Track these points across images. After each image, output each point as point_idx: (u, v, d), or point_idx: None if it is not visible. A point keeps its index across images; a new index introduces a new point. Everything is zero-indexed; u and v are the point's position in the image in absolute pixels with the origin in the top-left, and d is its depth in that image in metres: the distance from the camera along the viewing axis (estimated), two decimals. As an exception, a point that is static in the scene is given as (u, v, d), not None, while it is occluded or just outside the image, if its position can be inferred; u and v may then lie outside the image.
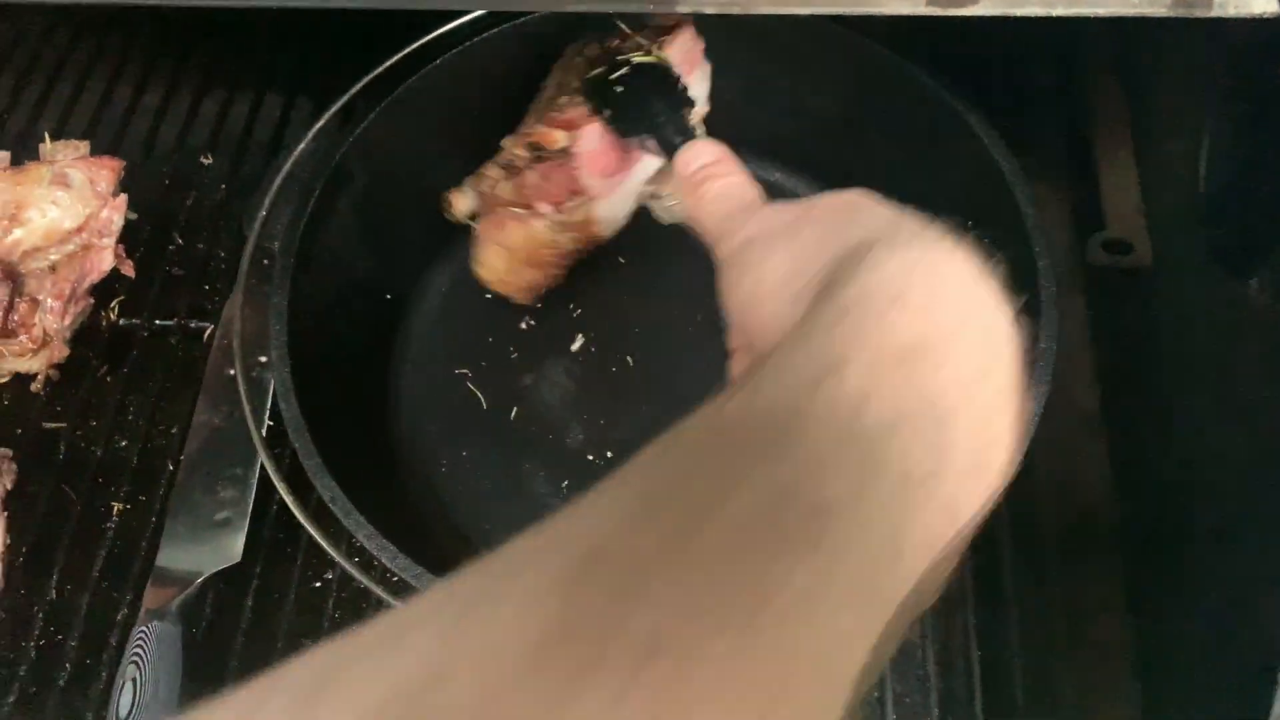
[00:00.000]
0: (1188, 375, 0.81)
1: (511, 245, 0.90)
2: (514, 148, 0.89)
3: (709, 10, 0.64)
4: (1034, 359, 0.74)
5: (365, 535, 0.70)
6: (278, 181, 0.80)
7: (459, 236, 1.03)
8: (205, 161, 1.18)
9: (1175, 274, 0.85)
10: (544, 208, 0.88)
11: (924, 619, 0.91)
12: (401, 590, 0.91)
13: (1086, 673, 0.87)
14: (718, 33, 0.92)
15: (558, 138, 0.86)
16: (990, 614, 0.92)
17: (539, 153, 0.87)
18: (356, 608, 0.94)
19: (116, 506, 0.96)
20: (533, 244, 0.91)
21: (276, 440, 0.81)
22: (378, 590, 0.68)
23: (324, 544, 0.68)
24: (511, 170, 0.89)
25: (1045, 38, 1.07)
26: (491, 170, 0.92)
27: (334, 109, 0.83)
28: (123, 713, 0.81)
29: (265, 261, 0.87)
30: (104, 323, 1.06)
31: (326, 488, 0.72)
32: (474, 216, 0.93)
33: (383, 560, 0.70)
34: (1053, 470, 0.95)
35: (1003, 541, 0.93)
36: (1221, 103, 0.76)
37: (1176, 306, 0.84)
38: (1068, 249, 1.00)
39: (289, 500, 0.69)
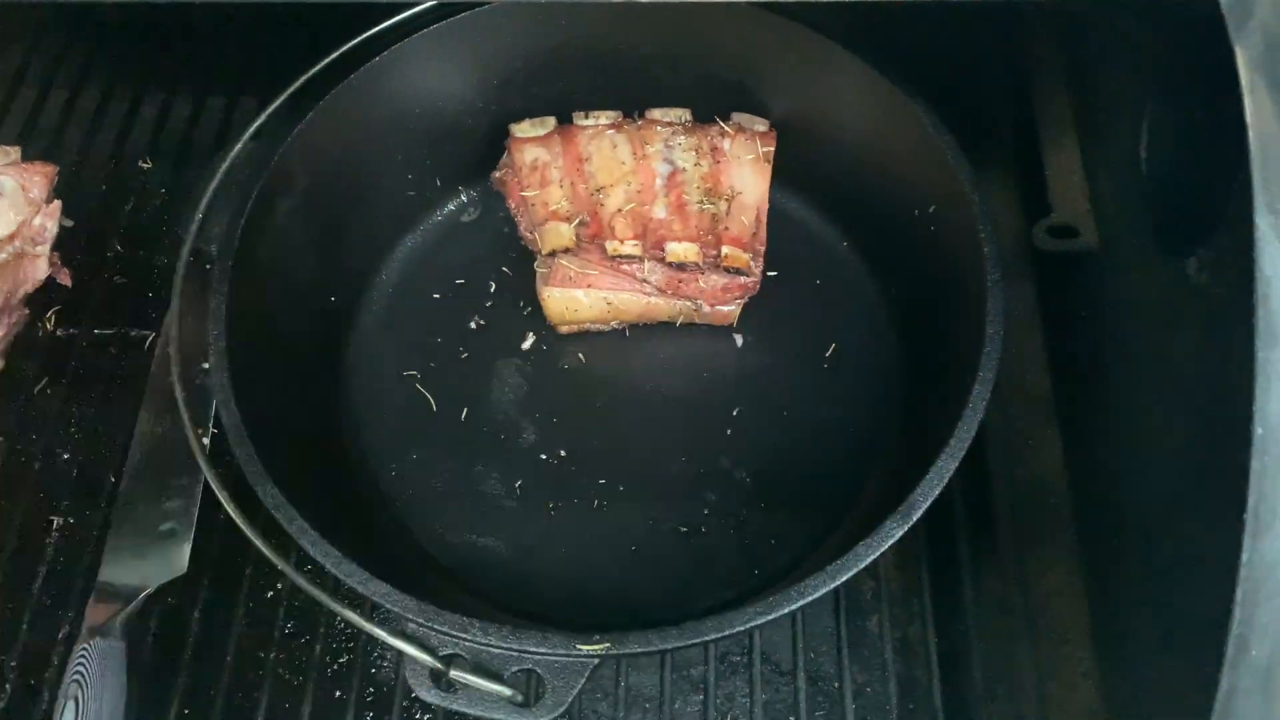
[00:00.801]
0: (1133, 357, 0.81)
1: (620, 306, 0.95)
2: (689, 255, 0.92)
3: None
4: (981, 346, 0.75)
5: (309, 541, 0.69)
6: (214, 184, 0.78)
7: (404, 236, 1.02)
8: (145, 166, 1.16)
9: (1120, 257, 0.86)
10: (685, 303, 0.95)
11: (883, 608, 0.91)
12: (352, 601, 0.89)
13: (1045, 658, 0.88)
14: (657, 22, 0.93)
15: (748, 262, 0.92)
16: (947, 602, 0.92)
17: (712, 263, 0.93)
18: (309, 619, 0.93)
19: (56, 521, 0.93)
20: (633, 311, 0.96)
21: (223, 449, 0.79)
22: (328, 602, 0.66)
23: (268, 552, 0.66)
24: (653, 254, 0.93)
25: (990, 27, 1.08)
26: (613, 227, 0.94)
27: (271, 108, 0.81)
28: (65, 733, 0.79)
29: (207, 266, 0.85)
30: (41, 333, 1.04)
31: (269, 495, 0.70)
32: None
33: (328, 566, 0.69)
34: (1006, 456, 0.95)
35: (958, 529, 0.93)
36: (1161, 85, 0.77)
37: (1121, 289, 0.85)
38: (1016, 236, 1.01)
39: (232, 511, 0.67)
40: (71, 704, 0.80)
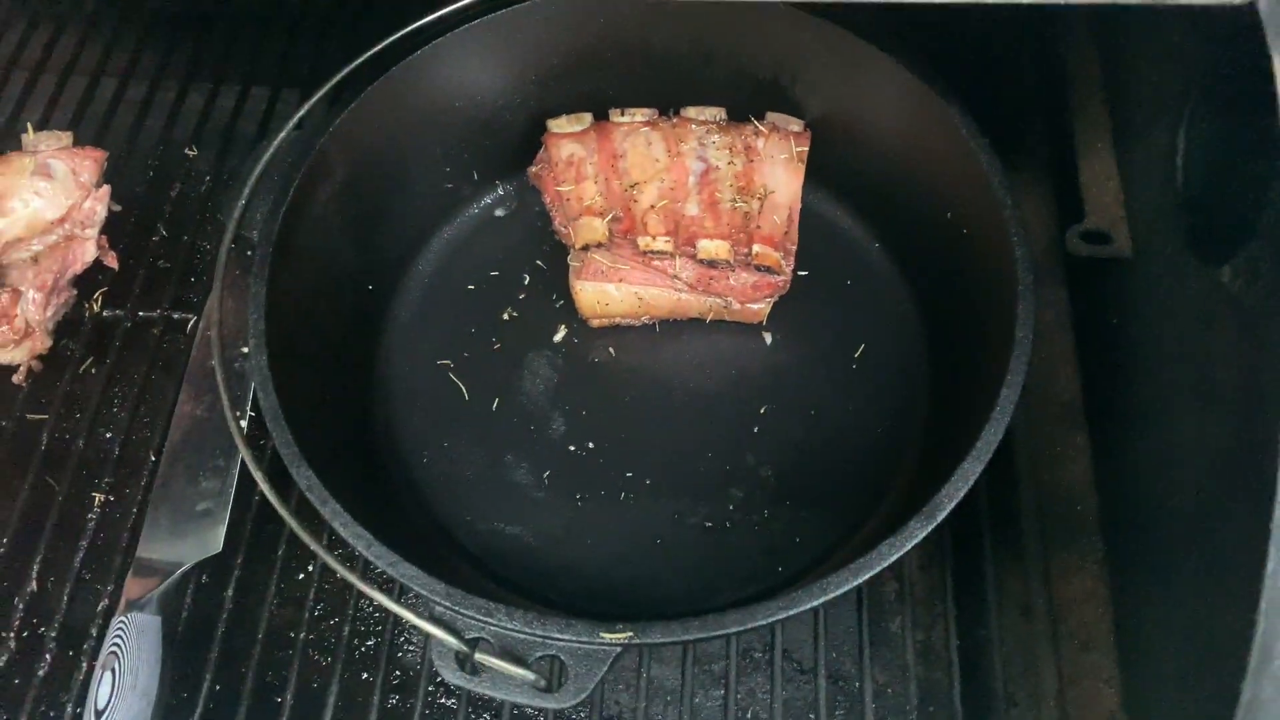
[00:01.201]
0: (1165, 363, 0.81)
1: (651, 301, 0.96)
2: (720, 252, 0.93)
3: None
4: (1011, 350, 0.75)
5: (341, 523, 0.70)
6: (256, 172, 0.80)
7: (440, 228, 1.04)
8: (190, 154, 1.18)
9: (1153, 264, 0.86)
10: (715, 299, 0.96)
11: (906, 610, 0.91)
12: (381, 584, 0.91)
13: (1067, 664, 0.87)
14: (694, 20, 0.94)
15: (778, 261, 0.93)
16: (970, 605, 0.92)
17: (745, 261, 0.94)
18: (339, 602, 0.95)
19: (98, 498, 0.96)
20: (663, 306, 0.97)
21: (260, 432, 0.81)
22: (358, 583, 0.68)
23: (300, 533, 0.68)
24: (686, 252, 0.94)
25: (1028, 34, 1.07)
26: (646, 223, 0.95)
27: (314, 99, 0.83)
28: (101, 703, 0.80)
29: (249, 253, 0.87)
30: (87, 314, 1.06)
31: (303, 476, 0.72)
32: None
33: (359, 549, 0.70)
34: (1033, 461, 0.95)
35: (983, 533, 0.93)
36: (1198, 95, 0.76)
37: (1154, 296, 0.85)
38: (1049, 241, 1.00)
39: (266, 490, 0.69)
40: (109, 674, 0.82)
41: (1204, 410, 0.74)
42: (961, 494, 0.68)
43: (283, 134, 0.81)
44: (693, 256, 0.94)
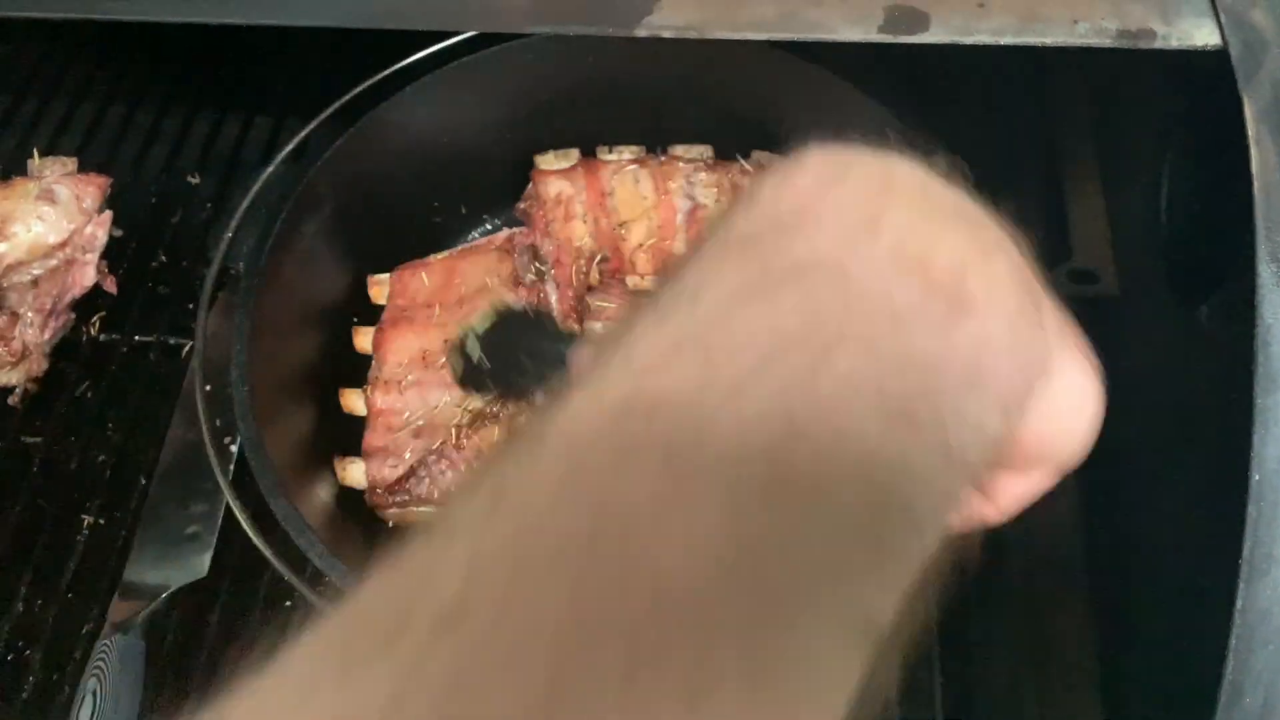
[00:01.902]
0: (1147, 405, 0.81)
1: None
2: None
3: (666, 34, 0.66)
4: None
5: (316, 555, 0.71)
6: (245, 203, 0.81)
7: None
8: (193, 181, 1.20)
9: (1138, 305, 0.85)
10: None
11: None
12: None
13: (1050, 703, 0.86)
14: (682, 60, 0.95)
15: None
16: (954, 642, 0.91)
17: None
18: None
19: (87, 520, 0.97)
20: None
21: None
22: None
23: (274, 562, 0.68)
24: None
25: (1017, 71, 1.08)
26: (634, 262, 0.97)
27: (300, 137, 0.85)
28: (81, 726, 0.81)
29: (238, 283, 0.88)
30: (84, 338, 1.08)
31: (278, 507, 0.72)
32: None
33: (334, 579, 0.71)
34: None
35: (967, 576, 0.92)
36: (1180, 135, 0.77)
37: (1139, 337, 0.84)
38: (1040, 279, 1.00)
39: (242, 519, 0.70)
40: (90, 698, 0.82)
41: (1184, 450, 0.74)
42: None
43: (270, 168, 0.83)
44: None
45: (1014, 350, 0.36)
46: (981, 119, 1.03)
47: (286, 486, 0.74)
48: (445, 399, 0.87)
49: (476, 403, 0.84)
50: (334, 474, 0.88)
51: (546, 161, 1.00)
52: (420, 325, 0.92)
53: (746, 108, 0.98)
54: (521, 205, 1.02)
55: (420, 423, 0.86)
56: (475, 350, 0.62)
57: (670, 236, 0.97)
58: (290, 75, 1.26)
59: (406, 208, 0.99)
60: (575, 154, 1.01)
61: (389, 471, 0.85)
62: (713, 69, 0.95)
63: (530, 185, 1.01)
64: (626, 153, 1.00)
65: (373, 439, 0.88)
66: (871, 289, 0.34)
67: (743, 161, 0.99)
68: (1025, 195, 1.04)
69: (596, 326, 0.95)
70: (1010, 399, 0.36)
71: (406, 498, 0.84)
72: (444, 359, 0.85)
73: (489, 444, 0.84)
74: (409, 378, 0.89)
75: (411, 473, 0.84)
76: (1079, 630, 0.88)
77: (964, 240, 0.37)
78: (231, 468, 0.85)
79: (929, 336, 0.34)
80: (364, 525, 0.90)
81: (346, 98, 0.87)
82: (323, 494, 0.83)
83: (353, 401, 0.91)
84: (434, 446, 0.84)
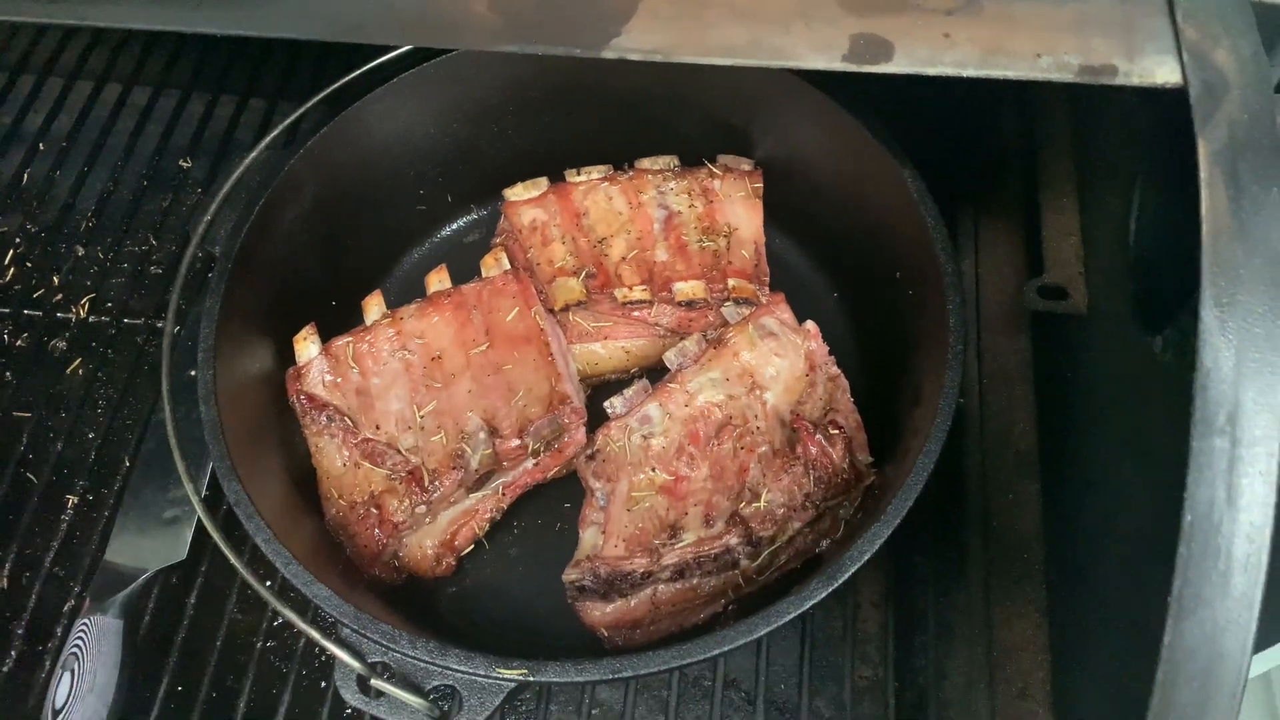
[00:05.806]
0: (1106, 425, 0.82)
1: (638, 352, 0.98)
2: (696, 292, 0.96)
3: (633, 57, 0.66)
4: (939, 407, 0.75)
5: (263, 539, 0.73)
6: (225, 188, 0.82)
7: (410, 249, 1.06)
8: (184, 165, 1.21)
9: (1103, 323, 0.86)
10: None
11: (848, 647, 0.92)
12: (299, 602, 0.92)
13: (1002, 709, 0.88)
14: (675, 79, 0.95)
15: (754, 292, 0.97)
16: (910, 646, 0.93)
17: None
18: (300, 610, 0.96)
19: (72, 500, 0.99)
20: (651, 355, 0.98)
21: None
22: (269, 598, 0.68)
23: (221, 543, 0.69)
24: None
25: (1004, 94, 1.07)
26: (620, 275, 0.97)
27: (286, 122, 0.85)
28: (59, 703, 0.84)
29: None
30: (74, 318, 1.10)
31: (231, 489, 0.74)
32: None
33: (278, 566, 0.72)
34: (985, 506, 0.95)
35: (928, 576, 0.94)
36: (1148, 164, 0.77)
37: (1102, 356, 0.85)
38: (1013, 293, 1.00)
39: (195, 502, 0.71)
40: (68, 675, 0.85)
41: (1136, 474, 0.75)
42: (866, 556, 0.69)
43: (252, 154, 0.83)
44: (670, 300, 0.95)
45: None
46: (961, 132, 1.03)
47: (242, 471, 0.75)
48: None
49: None
50: (294, 459, 0.89)
51: (515, 193, 0.99)
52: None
53: (722, 111, 0.98)
54: (497, 240, 1.00)
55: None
56: None
57: (650, 246, 0.97)
58: (285, 60, 1.26)
59: (390, 196, 0.99)
60: (544, 182, 1.00)
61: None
62: (689, 75, 0.94)
63: (502, 219, 1.00)
64: (594, 172, 1.00)
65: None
66: None
67: (710, 165, 0.99)
68: (1002, 210, 1.04)
69: (596, 348, 0.96)
70: None
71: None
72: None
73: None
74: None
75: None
76: (1034, 640, 0.89)
77: None
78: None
79: None
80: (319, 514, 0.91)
81: (332, 88, 0.87)
82: (280, 480, 0.84)
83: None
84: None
